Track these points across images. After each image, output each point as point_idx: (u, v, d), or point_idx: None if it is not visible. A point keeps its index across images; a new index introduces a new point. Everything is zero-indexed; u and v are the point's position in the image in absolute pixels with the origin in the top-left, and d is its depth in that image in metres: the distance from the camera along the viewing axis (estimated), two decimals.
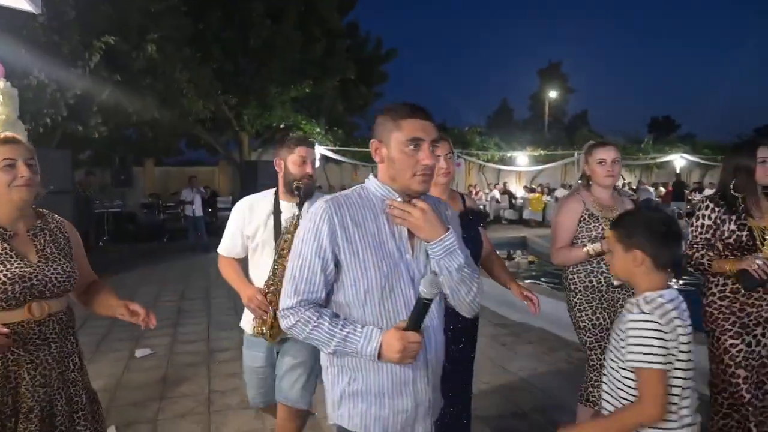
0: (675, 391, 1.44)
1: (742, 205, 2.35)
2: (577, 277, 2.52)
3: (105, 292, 1.84)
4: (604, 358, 2.41)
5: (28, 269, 1.58)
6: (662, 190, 17.88)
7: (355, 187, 1.47)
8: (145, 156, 17.02)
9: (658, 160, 21.23)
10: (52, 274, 1.63)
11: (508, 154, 20.26)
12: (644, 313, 1.44)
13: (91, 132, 9.01)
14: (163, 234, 13.01)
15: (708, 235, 2.40)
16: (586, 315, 2.49)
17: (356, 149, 17.12)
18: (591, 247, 2.43)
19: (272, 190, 2.35)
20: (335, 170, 18.32)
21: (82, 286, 1.83)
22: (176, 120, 12.78)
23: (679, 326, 1.44)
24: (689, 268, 2.50)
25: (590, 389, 2.51)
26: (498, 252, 2.65)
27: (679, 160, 20.24)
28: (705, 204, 2.45)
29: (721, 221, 2.37)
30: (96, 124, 8.98)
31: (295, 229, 2.10)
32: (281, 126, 15.26)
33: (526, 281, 5.88)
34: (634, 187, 19.34)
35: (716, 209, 2.40)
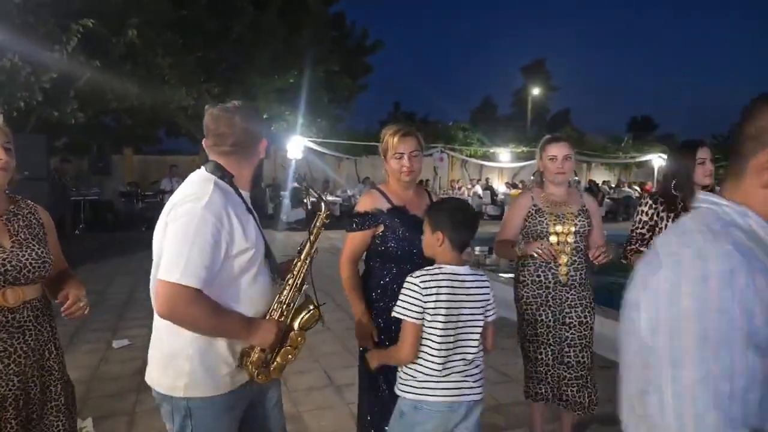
0: (430, 343, 1.73)
1: (682, 204, 2.44)
2: (527, 271, 2.53)
3: (71, 283, 1.75)
4: (539, 353, 2.49)
5: (1, 255, 1.54)
6: (636, 189, 18.22)
7: (706, 218, 0.91)
8: (124, 144, 16.68)
9: (637, 160, 21.63)
10: (27, 259, 1.59)
11: (491, 150, 20.42)
12: (413, 276, 1.75)
13: (68, 118, 8.78)
14: (142, 223, 12.79)
15: (643, 231, 2.54)
16: (531, 309, 2.51)
17: (340, 141, 17.02)
18: (518, 247, 2.52)
19: (213, 180, 1.58)
20: (318, 163, 18.21)
21: (52, 274, 1.77)
22: (157, 107, 12.55)
23: (445, 294, 1.72)
24: (622, 260, 2.64)
25: (529, 384, 2.56)
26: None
27: (657, 159, 20.64)
28: (645, 201, 2.58)
29: (659, 218, 2.49)
30: (73, 110, 8.76)
31: (319, 229, 1.72)
32: (264, 117, 15.08)
33: (505, 275, 5.96)
34: (613, 185, 19.69)
35: (654, 206, 2.52)
